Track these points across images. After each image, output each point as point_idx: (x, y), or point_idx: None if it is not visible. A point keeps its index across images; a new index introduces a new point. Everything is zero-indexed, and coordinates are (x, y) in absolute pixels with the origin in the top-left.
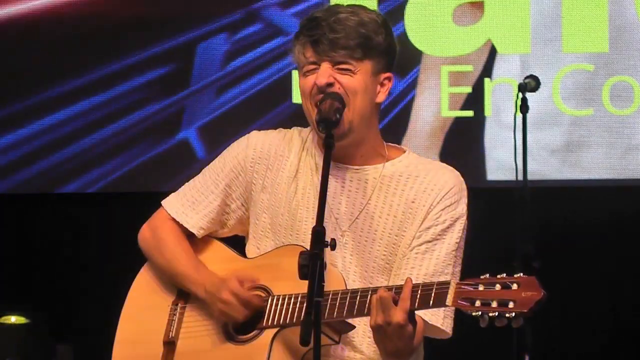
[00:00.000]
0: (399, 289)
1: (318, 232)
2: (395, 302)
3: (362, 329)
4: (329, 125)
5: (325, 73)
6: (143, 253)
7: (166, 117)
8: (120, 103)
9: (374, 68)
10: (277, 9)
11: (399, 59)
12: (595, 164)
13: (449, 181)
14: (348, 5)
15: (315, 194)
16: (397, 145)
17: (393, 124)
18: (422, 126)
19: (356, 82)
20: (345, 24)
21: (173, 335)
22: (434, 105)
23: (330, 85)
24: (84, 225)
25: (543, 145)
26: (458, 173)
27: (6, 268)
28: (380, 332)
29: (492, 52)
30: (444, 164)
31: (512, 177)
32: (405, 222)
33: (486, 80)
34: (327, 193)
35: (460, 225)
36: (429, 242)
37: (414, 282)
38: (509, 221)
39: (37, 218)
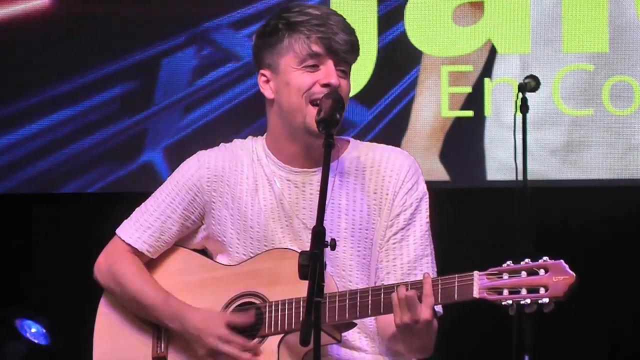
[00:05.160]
0: (417, 285)
1: (318, 232)
2: (419, 299)
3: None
4: (330, 125)
5: (335, 73)
6: (101, 286)
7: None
8: (120, 103)
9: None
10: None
11: (400, 58)
12: (595, 164)
13: (404, 164)
14: (325, 7)
15: (278, 204)
16: (341, 137)
17: (393, 123)
18: (422, 126)
19: (349, 85)
20: (347, 25)
21: (162, 350)
22: (434, 105)
23: (339, 87)
24: (83, 226)
25: (543, 145)
26: (407, 153)
27: (6, 268)
28: (407, 330)
29: (492, 52)
30: (392, 147)
31: (512, 177)
32: (372, 214)
33: (486, 80)
34: (289, 201)
35: (425, 204)
36: (403, 229)
37: (399, 270)
38: (508, 221)
39: (37, 218)
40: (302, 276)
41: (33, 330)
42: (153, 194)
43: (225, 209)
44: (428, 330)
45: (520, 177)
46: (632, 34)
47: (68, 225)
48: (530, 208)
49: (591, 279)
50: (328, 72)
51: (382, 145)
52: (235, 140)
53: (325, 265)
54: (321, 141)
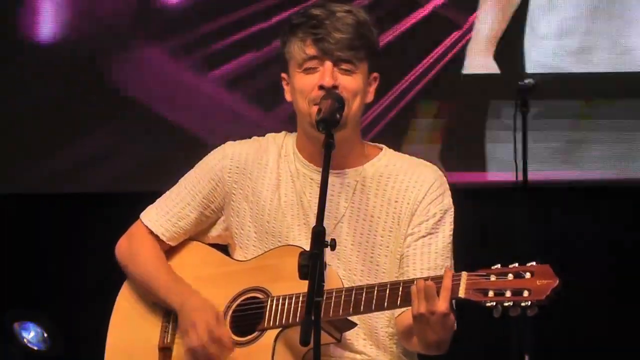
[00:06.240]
0: (436, 279)
1: (318, 232)
2: (437, 292)
3: (354, 330)
4: (329, 125)
5: (330, 73)
6: (120, 266)
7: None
8: (118, 103)
9: (368, 68)
10: None
11: (399, 59)
12: (595, 164)
13: (430, 176)
14: (338, 3)
15: (298, 201)
16: (374, 144)
17: (393, 124)
18: (422, 126)
19: (356, 83)
20: (347, 24)
21: (168, 341)
22: (434, 105)
23: (335, 87)
24: (84, 225)
25: (543, 145)
26: (436, 168)
27: (6, 268)
28: (422, 322)
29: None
30: (422, 160)
31: (512, 177)
32: (390, 222)
33: (486, 80)
34: (309, 199)
35: (450, 217)
36: (424, 236)
37: (419, 276)
38: (508, 221)
39: (37, 218)
40: (302, 276)
41: (32, 334)
42: (178, 182)
43: (245, 201)
44: (444, 324)
45: (520, 177)
46: (633, 34)
47: (69, 226)
48: (530, 208)
49: (591, 279)
50: (323, 73)
51: (414, 158)
52: (268, 134)
53: (326, 265)
54: (339, 137)
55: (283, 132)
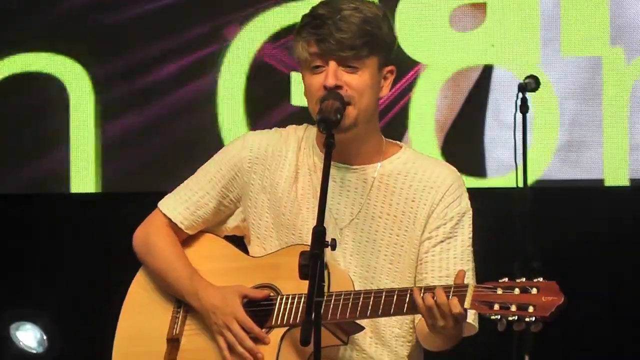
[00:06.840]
0: (447, 288)
1: (318, 232)
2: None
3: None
4: (329, 125)
5: (333, 74)
6: (136, 256)
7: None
8: (119, 103)
9: (378, 63)
10: None
11: (397, 59)
12: (596, 164)
13: (448, 178)
14: (347, 0)
15: (314, 194)
16: (394, 141)
17: (393, 123)
18: (421, 126)
19: (363, 80)
20: (351, 22)
21: (177, 332)
22: (433, 104)
23: (338, 87)
24: (83, 225)
25: (543, 144)
26: (455, 169)
27: (5, 268)
28: (435, 331)
29: (492, 53)
30: (441, 160)
31: (512, 177)
32: (406, 221)
33: (486, 80)
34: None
35: (468, 219)
36: (442, 241)
37: (437, 283)
38: (508, 221)
39: (36, 218)
40: (302, 276)
41: (29, 336)
42: (197, 171)
43: (263, 192)
44: (456, 331)
45: (520, 177)
46: (633, 34)
47: (67, 226)
48: (530, 208)
49: (592, 279)
50: (327, 73)
51: (432, 157)
52: (290, 125)
53: (326, 265)
54: (352, 135)
55: (305, 124)
